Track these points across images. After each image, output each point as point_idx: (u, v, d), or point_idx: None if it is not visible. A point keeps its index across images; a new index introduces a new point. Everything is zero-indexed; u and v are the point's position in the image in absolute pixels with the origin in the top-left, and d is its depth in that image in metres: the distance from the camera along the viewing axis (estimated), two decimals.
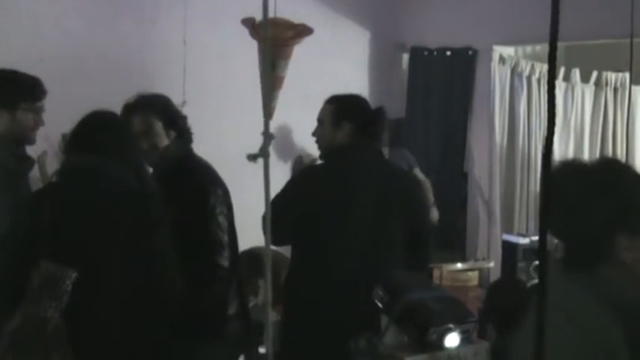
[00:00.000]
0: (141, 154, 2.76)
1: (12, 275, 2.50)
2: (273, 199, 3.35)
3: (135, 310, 2.50)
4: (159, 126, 3.12)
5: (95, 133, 2.64)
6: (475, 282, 6.07)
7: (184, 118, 3.28)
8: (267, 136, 1.13)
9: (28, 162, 3.19)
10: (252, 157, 1.20)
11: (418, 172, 6.48)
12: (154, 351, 2.59)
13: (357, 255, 3.23)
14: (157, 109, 3.15)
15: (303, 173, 3.44)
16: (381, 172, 3.34)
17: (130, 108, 3.14)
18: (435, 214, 6.39)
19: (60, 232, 2.50)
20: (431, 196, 6.46)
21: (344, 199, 3.27)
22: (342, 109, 3.36)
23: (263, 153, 1.14)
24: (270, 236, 1.24)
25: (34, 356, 2.36)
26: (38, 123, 3.16)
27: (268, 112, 1.22)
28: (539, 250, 0.90)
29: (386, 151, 6.56)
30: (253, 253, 4.58)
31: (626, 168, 1.72)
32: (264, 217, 3.40)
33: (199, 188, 3.07)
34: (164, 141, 3.12)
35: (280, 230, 3.33)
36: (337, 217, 3.26)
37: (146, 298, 2.50)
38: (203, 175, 3.15)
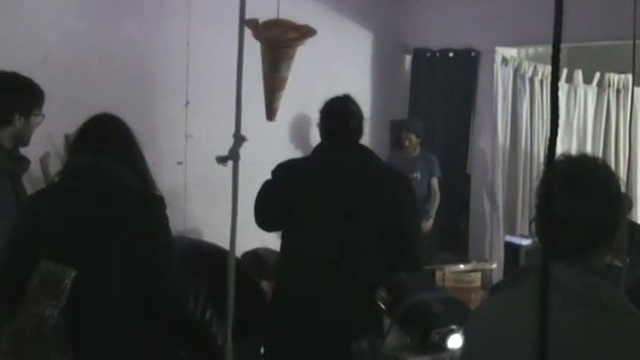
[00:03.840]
0: (144, 157, 2.76)
1: (12, 275, 2.51)
2: (261, 188, 3.43)
3: (136, 312, 2.50)
4: None
5: (99, 134, 2.65)
6: (478, 283, 6.06)
7: None
8: (238, 137, 1.12)
9: (23, 163, 3.25)
10: (222, 160, 1.19)
11: (435, 183, 6.53)
12: (154, 353, 2.59)
13: (321, 248, 3.25)
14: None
15: (277, 166, 3.48)
16: (351, 167, 3.34)
17: None
18: (429, 223, 6.45)
19: (61, 232, 2.51)
20: (433, 208, 6.52)
21: (305, 192, 3.32)
22: (319, 112, 3.45)
23: (232, 156, 1.13)
24: (234, 239, 1.23)
25: (33, 354, 2.37)
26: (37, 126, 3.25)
27: (240, 112, 1.21)
28: (543, 249, 0.90)
29: (381, 148, 6.62)
30: (256, 254, 4.59)
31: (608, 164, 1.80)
32: (256, 201, 3.43)
33: None
34: None
35: (264, 217, 3.42)
36: (298, 210, 3.31)
37: (147, 300, 2.50)
38: None
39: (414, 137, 6.50)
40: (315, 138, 3.50)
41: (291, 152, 6.10)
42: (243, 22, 1.09)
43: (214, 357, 2.85)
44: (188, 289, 2.80)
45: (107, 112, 2.74)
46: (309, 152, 3.59)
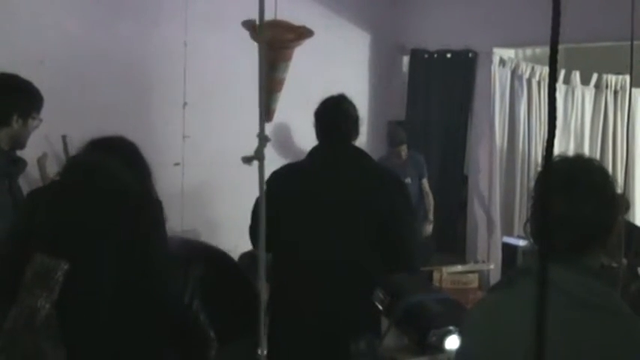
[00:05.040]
0: (149, 167, 2.77)
1: (8, 273, 2.51)
2: (254, 209, 3.41)
3: (129, 311, 2.50)
4: None
5: (106, 141, 2.68)
6: (475, 284, 6.07)
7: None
8: (262, 138, 1.13)
9: (20, 164, 3.25)
10: (247, 160, 1.20)
11: (425, 184, 6.56)
12: (146, 350, 2.59)
13: (318, 250, 3.25)
14: None
15: (271, 175, 3.48)
16: (345, 170, 3.34)
17: None
18: (429, 227, 6.46)
19: (55, 230, 2.51)
20: (430, 211, 6.54)
21: (300, 196, 3.33)
22: (314, 113, 3.44)
23: (258, 155, 1.14)
24: (261, 240, 1.24)
25: (26, 346, 2.37)
26: (31, 131, 3.26)
27: (264, 114, 1.23)
28: (540, 250, 0.90)
29: (378, 149, 6.62)
30: (254, 255, 4.58)
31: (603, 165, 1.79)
32: (250, 228, 3.42)
33: None
34: None
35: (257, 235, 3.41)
36: (289, 214, 3.31)
37: (140, 301, 2.50)
38: None
39: (405, 147, 6.54)
40: (312, 139, 3.50)
41: (289, 153, 6.10)
42: (262, 30, 1.09)
43: (200, 345, 2.86)
44: (181, 287, 2.81)
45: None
46: (305, 153, 3.59)
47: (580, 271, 1.59)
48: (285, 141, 6.34)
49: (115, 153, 2.64)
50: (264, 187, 3.56)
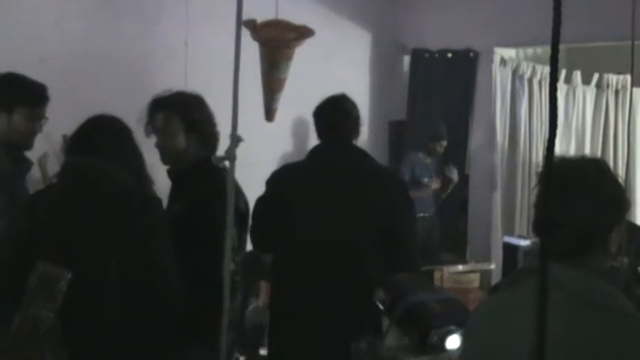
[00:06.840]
0: (142, 156, 2.75)
1: (11, 275, 2.51)
2: (254, 209, 3.39)
3: (132, 313, 2.49)
4: (178, 127, 3.02)
5: (95, 134, 2.65)
6: (476, 284, 6.06)
7: (210, 122, 3.14)
8: (235, 138, 1.12)
9: (25, 164, 3.19)
10: (219, 160, 1.19)
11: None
12: (151, 354, 2.58)
13: (319, 250, 3.25)
14: (180, 110, 3.05)
15: (271, 175, 3.47)
16: (346, 169, 3.34)
17: (156, 103, 3.12)
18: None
19: (57, 233, 2.51)
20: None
21: (301, 196, 3.33)
22: (313, 112, 3.44)
23: (229, 155, 1.13)
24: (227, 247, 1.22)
25: (30, 356, 2.37)
26: (36, 129, 3.16)
27: (237, 113, 1.22)
28: (540, 251, 0.90)
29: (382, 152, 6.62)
30: (254, 255, 4.58)
31: (608, 165, 1.77)
32: (251, 228, 3.42)
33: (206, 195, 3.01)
34: (182, 143, 3.03)
35: (261, 243, 3.41)
36: (290, 214, 3.31)
37: (144, 301, 2.50)
38: (213, 183, 3.07)
39: (445, 142, 6.53)
40: (314, 139, 3.50)
41: (290, 153, 6.11)
42: (240, 23, 1.09)
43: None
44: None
45: (103, 113, 2.74)
46: (307, 153, 3.59)
47: (584, 271, 1.58)
48: (285, 139, 6.34)
49: (105, 146, 2.62)
50: (265, 187, 3.58)
